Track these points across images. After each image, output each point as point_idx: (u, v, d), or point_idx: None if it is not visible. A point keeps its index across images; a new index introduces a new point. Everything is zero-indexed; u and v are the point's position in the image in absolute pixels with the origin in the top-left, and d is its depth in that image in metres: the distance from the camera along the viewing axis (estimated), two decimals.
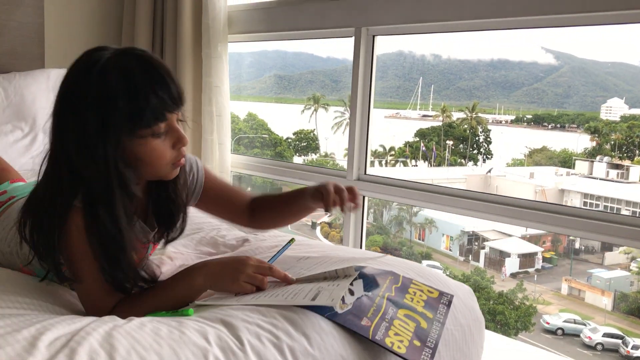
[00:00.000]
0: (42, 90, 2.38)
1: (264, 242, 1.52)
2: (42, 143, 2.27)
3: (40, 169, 1.05)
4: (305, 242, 1.45)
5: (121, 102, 0.94)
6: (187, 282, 1.05)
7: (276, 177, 2.61)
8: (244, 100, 12.38)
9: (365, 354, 0.99)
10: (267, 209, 1.31)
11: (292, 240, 1.27)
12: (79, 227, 0.98)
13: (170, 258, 1.36)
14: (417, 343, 1.01)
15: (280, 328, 0.92)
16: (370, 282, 1.12)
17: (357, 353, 0.97)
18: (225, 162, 2.55)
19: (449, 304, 1.14)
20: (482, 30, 2.03)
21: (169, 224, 1.17)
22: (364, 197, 2.30)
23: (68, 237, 0.98)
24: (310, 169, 2.51)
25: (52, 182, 1.01)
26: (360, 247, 2.37)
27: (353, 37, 2.26)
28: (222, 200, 1.31)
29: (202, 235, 1.61)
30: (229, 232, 1.63)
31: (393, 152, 11.78)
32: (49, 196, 1.00)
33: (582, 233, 1.75)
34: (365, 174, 2.28)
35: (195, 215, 1.56)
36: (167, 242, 1.20)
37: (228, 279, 1.04)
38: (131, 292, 1.04)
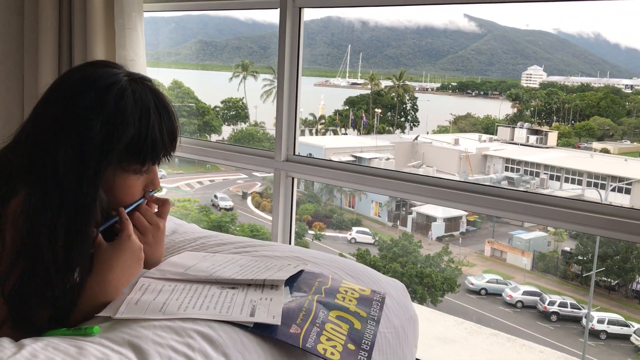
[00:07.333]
0: None
1: None
2: None
3: None
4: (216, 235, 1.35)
5: (130, 132, 0.93)
6: (97, 308, 0.93)
7: (201, 157, 2.47)
8: (166, 68, 11.97)
9: None
10: None
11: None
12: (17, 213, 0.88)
13: None
14: (351, 347, 0.95)
15: (196, 349, 0.82)
16: (297, 286, 1.05)
17: None
18: None
19: (382, 302, 1.09)
20: (409, 5, 1.97)
21: None
22: (293, 179, 2.22)
23: (9, 217, 0.88)
24: (237, 149, 2.38)
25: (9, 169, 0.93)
26: (291, 217, 2.28)
27: (279, 9, 2.13)
28: None
29: None
30: None
31: (323, 121, 11.78)
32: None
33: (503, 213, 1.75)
34: (294, 154, 2.19)
35: None
36: None
37: (133, 266, 0.98)
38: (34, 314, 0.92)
